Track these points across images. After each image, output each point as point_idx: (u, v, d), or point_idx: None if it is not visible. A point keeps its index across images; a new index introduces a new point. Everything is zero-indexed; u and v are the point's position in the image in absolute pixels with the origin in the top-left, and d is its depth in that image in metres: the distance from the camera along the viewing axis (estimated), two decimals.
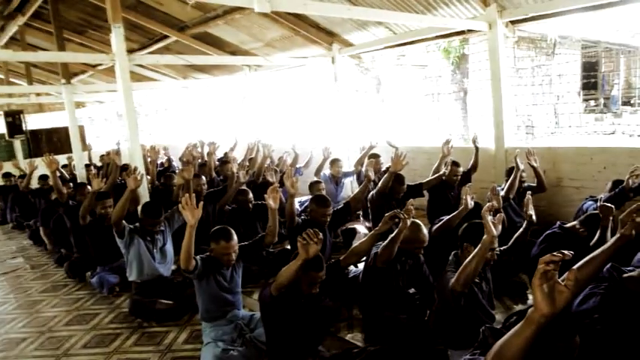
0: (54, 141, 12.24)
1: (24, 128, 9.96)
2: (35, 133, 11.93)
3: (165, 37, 8.13)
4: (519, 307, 3.44)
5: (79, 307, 4.19)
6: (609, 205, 3.13)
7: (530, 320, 1.29)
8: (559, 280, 1.29)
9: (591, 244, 3.06)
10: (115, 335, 3.57)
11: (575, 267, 1.43)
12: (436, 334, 2.84)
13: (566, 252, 1.28)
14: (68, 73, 7.69)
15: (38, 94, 11.26)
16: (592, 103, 14.13)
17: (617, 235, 2.01)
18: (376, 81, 9.74)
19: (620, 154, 4.83)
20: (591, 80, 13.49)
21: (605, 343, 2.20)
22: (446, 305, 2.69)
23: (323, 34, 7.09)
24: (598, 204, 3.34)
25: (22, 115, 9.89)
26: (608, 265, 2.38)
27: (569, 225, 3.52)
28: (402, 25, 6.25)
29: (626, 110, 13.82)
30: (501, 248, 3.06)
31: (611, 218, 3.08)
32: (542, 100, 9.42)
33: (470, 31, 5.76)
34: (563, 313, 1.34)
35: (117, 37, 4.52)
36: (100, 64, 9.99)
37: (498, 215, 2.61)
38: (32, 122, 11.67)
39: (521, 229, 3.16)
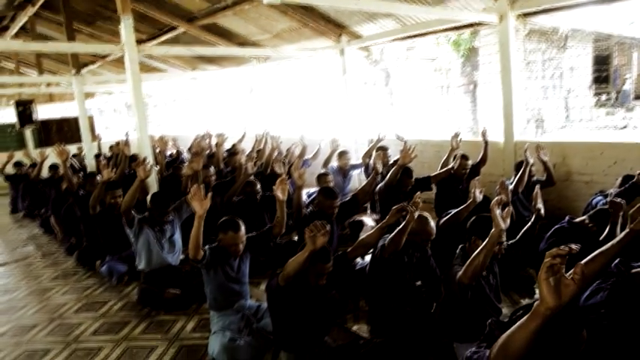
0: (64, 131, 12.33)
1: (35, 118, 10.02)
2: (46, 123, 12.01)
3: (174, 28, 8.13)
4: (526, 302, 3.44)
5: (88, 295, 4.25)
6: (619, 200, 3.11)
7: (535, 313, 1.29)
8: (565, 274, 1.29)
9: (600, 239, 3.05)
10: (124, 323, 3.62)
11: (582, 261, 1.42)
12: (442, 327, 2.85)
13: (573, 245, 1.27)
14: (78, 63, 7.74)
15: (48, 85, 11.34)
16: (603, 97, 13.96)
17: (627, 230, 2.01)
18: (385, 73, 9.69)
19: (631, 149, 4.78)
20: (603, 74, 13.31)
21: (611, 338, 2.20)
22: (453, 298, 2.70)
23: (331, 25, 7.05)
24: (608, 199, 3.32)
25: (32, 105, 9.96)
26: (616, 261, 2.38)
27: (578, 220, 3.51)
28: (411, 17, 6.19)
29: (638, 104, 13.64)
30: (509, 242, 3.05)
31: (621, 214, 3.06)
32: (552, 94, 9.34)
33: (480, 23, 5.70)
34: (570, 308, 1.34)
35: (126, 28, 4.55)
36: (109, 55, 10.03)
37: (507, 209, 2.59)
38: (43, 112, 11.75)
39: (529, 223, 3.14)
